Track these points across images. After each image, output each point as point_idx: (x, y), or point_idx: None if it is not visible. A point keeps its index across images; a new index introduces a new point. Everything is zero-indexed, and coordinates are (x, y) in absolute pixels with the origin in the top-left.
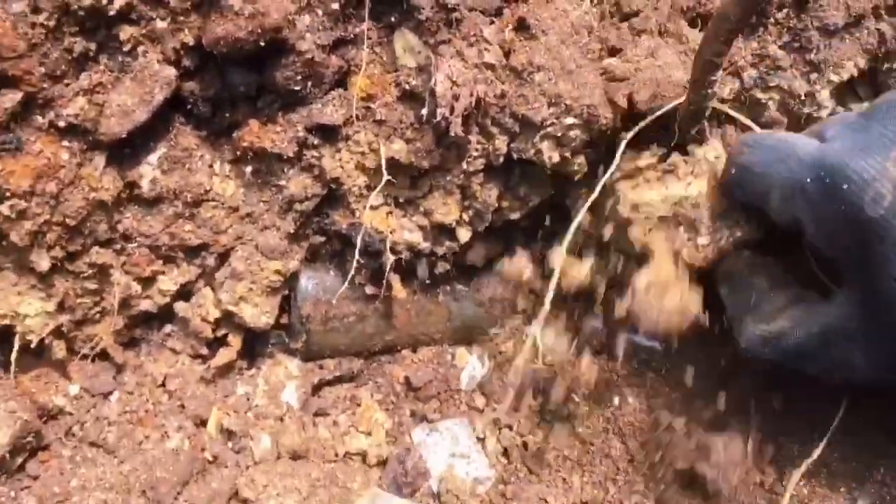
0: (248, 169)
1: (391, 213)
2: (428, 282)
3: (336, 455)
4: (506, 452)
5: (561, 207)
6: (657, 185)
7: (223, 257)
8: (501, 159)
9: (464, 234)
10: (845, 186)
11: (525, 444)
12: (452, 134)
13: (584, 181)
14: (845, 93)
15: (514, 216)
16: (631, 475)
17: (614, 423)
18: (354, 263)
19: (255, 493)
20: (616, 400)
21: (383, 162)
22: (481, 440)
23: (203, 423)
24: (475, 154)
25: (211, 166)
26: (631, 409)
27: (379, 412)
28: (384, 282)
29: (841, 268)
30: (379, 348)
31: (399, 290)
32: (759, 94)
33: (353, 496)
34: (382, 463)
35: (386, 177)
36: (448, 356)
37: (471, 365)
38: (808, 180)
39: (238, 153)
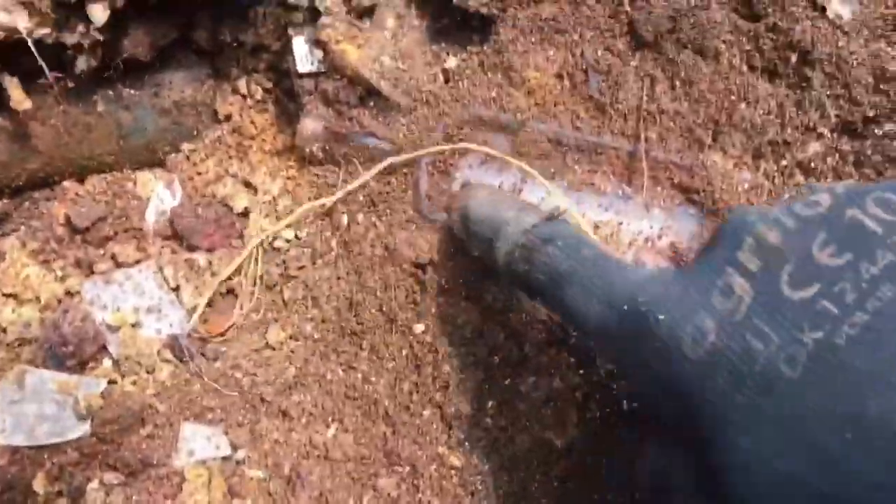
0: None
1: None
2: (72, 86)
3: None
4: (208, 303)
5: None
6: None
7: None
8: None
9: (99, 14)
10: (661, 317)
11: (230, 290)
12: None
13: None
14: None
15: None
16: None
17: None
18: None
19: None
20: None
21: None
22: (175, 289)
23: None
24: None
25: None
26: None
27: (32, 266)
28: None
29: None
30: (24, 181)
31: (21, 99)
32: None
33: None
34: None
35: None
36: (128, 184)
37: (158, 194)
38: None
39: None
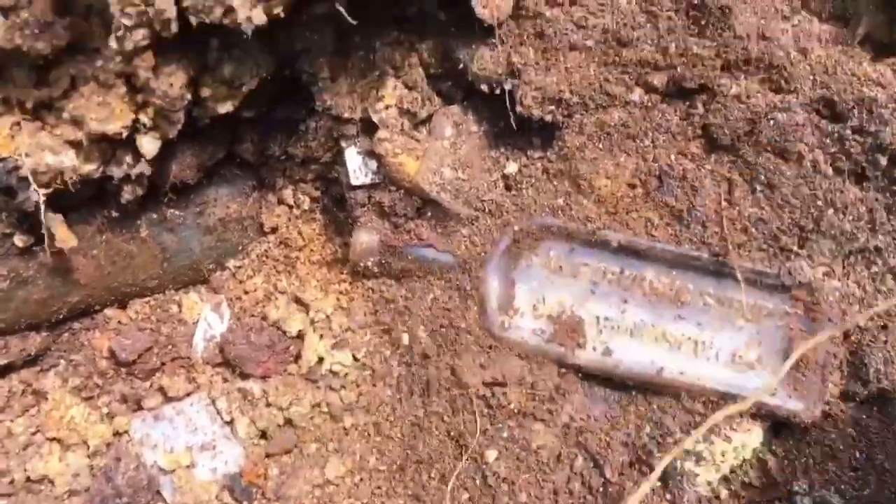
0: None
1: (18, 126)
2: (116, 215)
3: (13, 483)
4: (264, 435)
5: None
6: None
7: None
8: (175, 27)
9: (149, 146)
10: None
11: (288, 420)
12: None
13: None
14: None
15: (226, 108)
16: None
17: None
18: None
19: None
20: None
21: None
22: (229, 423)
23: None
24: (127, 22)
25: None
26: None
27: (76, 405)
28: (43, 228)
29: None
30: (66, 314)
31: (65, 236)
32: None
33: None
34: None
35: None
36: (172, 307)
37: (205, 318)
38: None
39: None
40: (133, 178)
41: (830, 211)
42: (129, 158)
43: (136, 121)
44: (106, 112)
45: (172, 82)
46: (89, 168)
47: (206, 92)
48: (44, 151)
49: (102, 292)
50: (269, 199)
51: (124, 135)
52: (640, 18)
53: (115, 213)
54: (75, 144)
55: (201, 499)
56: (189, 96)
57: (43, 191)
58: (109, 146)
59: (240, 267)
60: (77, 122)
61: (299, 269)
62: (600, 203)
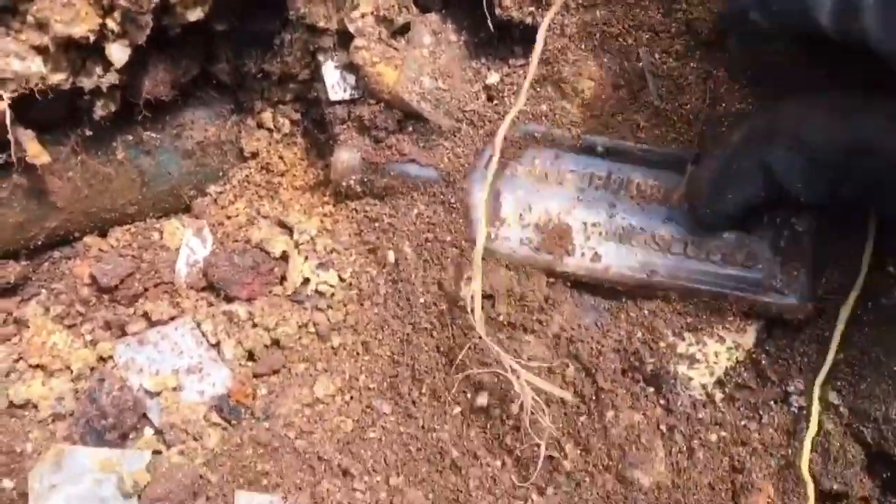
0: None
1: None
2: (90, 133)
3: None
4: (251, 356)
5: None
6: None
7: None
8: None
9: (119, 53)
10: None
11: (275, 341)
12: None
13: None
14: None
15: (196, 15)
16: None
17: None
18: None
19: None
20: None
21: None
22: (216, 345)
23: None
24: None
25: None
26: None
27: (59, 332)
28: (10, 141)
29: None
30: (43, 240)
31: (37, 152)
32: None
33: (28, 462)
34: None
35: None
36: (154, 235)
37: (187, 243)
38: None
39: None
40: (104, 90)
41: None
42: (98, 69)
43: (103, 26)
44: (71, 14)
45: None
46: (58, 77)
47: None
48: (9, 57)
49: (81, 217)
50: (249, 123)
51: (91, 39)
52: None
53: (88, 132)
54: (42, 50)
55: (189, 419)
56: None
57: (7, 94)
58: (78, 55)
59: (221, 192)
60: (42, 26)
61: (282, 194)
62: (584, 107)
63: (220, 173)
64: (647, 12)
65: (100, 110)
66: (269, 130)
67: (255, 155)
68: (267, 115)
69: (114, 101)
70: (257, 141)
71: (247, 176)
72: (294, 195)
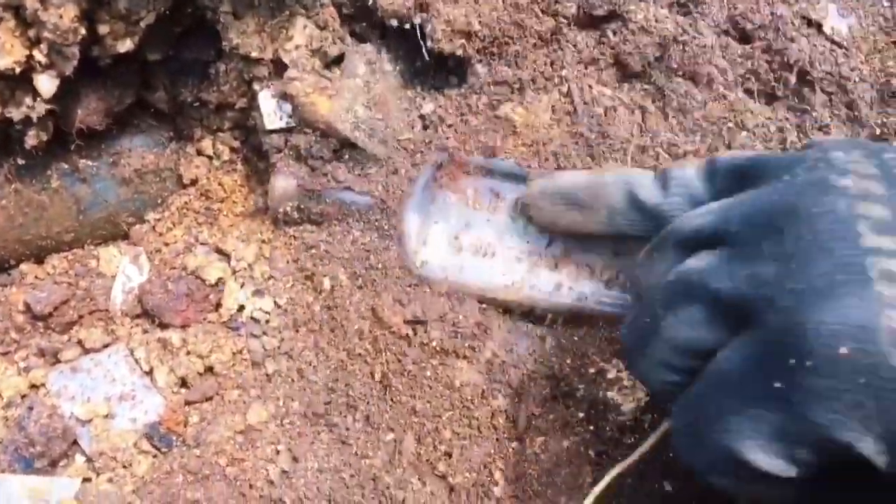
0: None
1: None
2: (23, 163)
3: None
4: (184, 383)
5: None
6: None
7: None
8: None
9: (47, 84)
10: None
11: (209, 368)
12: None
13: None
14: None
15: (126, 46)
16: None
17: None
18: None
19: None
20: None
21: None
22: (149, 372)
23: None
24: None
25: None
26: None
27: None
28: None
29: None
30: None
31: None
32: None
33: None
34: None
35: None
36: (91, 262)
37: (123, 270)
38: None
39: None
40: (35, 120)
41: (742, 133)
42: (28, 100)
43: (30, 58)
44: None
45: (62, 14)
46: None
47: (103, 29)
48: None
49: (16, 245)
50: (188, 151)
51: (17, 70)
52: None
53: (21, 161)
54: None
55: (119, 447)
56: (83, 31)
57: None
58: (6, 85)
59: (159, 220)
60: None
61: (221, 220)
62: (515, 135)
63: (159, 200)
64: (576, 46)
65: (31, 139)
66: (209, 157)
67: (194, 182)
68: (207, 143)
69: (45, 131)
70: (197, 168)
71: (186, 203)
72: (234, 221)
